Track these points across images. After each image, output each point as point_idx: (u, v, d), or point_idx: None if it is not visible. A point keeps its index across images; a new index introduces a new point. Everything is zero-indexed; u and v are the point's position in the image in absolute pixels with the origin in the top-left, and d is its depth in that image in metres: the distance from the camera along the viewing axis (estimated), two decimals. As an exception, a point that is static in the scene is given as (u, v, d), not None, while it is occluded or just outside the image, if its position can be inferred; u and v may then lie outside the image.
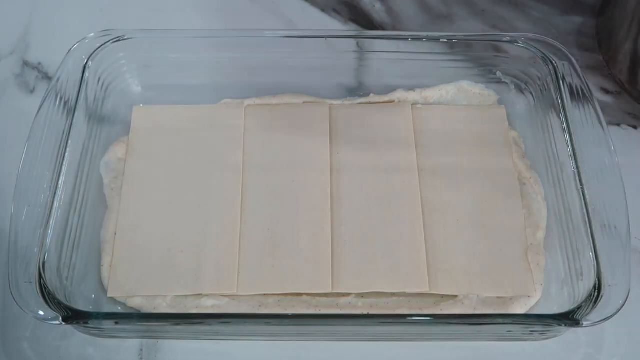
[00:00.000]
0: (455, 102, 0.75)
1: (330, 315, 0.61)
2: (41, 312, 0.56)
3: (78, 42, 0.71)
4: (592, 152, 0.65)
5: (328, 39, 0.73)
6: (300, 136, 0.72)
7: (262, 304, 0.62)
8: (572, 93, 0.68)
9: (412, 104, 0.74)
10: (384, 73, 0.75)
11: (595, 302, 0.57)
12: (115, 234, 0.66)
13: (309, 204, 0.67)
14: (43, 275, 0.58)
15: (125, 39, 0.71)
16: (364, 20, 0.85)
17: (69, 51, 0.70)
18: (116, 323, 0.58)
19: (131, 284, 0.63)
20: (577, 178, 0.64)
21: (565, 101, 0.68)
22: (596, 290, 0.58)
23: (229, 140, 0.71)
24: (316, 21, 0.84)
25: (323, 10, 0.86)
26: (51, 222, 0.61)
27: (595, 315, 0.57)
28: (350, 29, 0.85)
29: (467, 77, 0.75)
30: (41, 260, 0.59)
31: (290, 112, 0.73)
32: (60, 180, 0.63)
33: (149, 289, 0.63)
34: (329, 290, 0.63)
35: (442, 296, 0.63)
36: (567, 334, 0.62)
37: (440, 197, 0.68)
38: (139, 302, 0.62)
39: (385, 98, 0.75)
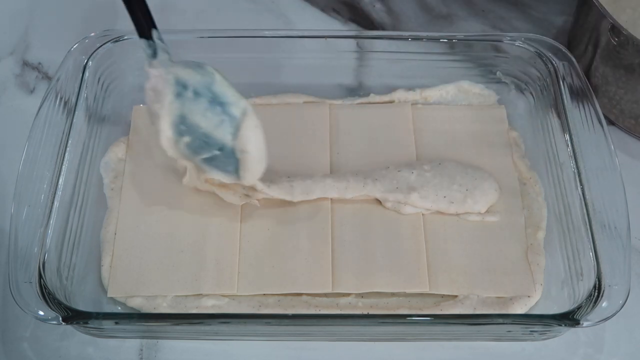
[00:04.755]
0: (455, 102, 0.75)
1: (330, 315, 0.61)
2: (41, 312, 0.56)
3: (78, 42, 0.71)
4: (592, 152, 0.65)
5: (328, 39, 0.73)
6: (300, 136, 0.72)
7: (262, 304, 0.62)
8: (572, 93, 0.68)
9: (412, 104, 0.74)
10: (384, 73, 0.75)
11: (595, 302, 0.57)
12: (115, 234, 0.66)
13: (309, 204, 0.67)
14: (43, 275, 0.58)
15: (125, 39, 0.71)
16: (364, 20, 0.85)
17: (69, 51, 0.70)
18: (116, 323, 0.58)
19: (131, 284, 0.63)
20: (577, 178, 0.64)
21: (565, 101, 0.68)
22: (596, 290, 0.58)
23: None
24: (316, 21, 0.84)
25: (323, 10, 0.86)
26: (51, 222, 0.61)
27: (595, 315, 0.57)
28: (350, 29, 0.85)
29: (467, 77, 0.75)
30: (41, 260, 0.59)
31: (290, 112, 0.73)
32: (60, 180, 0.63)
33: (149, 289, 0.63)
34: (329, 291, 0.63)
35: (442, 296, 0.63)
36: (567, 334, 0.62)
37: (440, 197, 0.68)
38: (139, 302, 0.62)
39: (385, 98, 0.75)
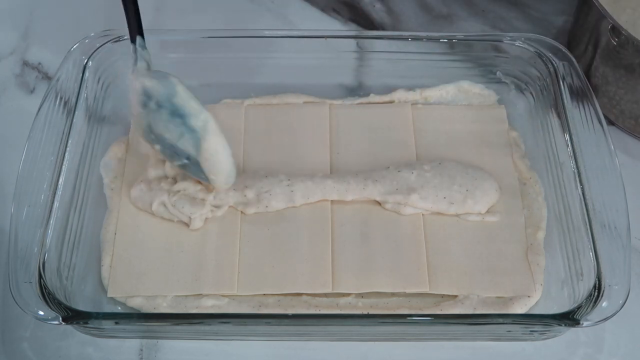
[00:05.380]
0: (455, 102, 0.75)
1: (330, 315, 0.61)
2: (41, 312, 0.56)
3: (78, 42, 0.71)
4: (592, 152, 0.65)
5: (328, 39, 0.73)
6: (300, 136, 0.72)
7: (262, 304, 0.62)
8: (572, 93, 0.68)
9: (412, 104, 0.74)
10: (384, 73, 0.75)
11: (595, 302, 0.57)
12: (115, 234, 0.66)
13: (309, 204, 0.67)
14: (43, 275, 0.58)
15: (125, 39, 0.71)
16: (364, 20, 0.85)
17: (69, 51, 0.70)
18: (116, 323, 0.58)
19: (131, 284, 0.63)
20: (577, 178, 0.64)
21: (565, 101, 0.68)
22: (596, 290, 0.58)
23: (229, 140, 0.71)
24: (316, 21, 0.84)
25: (323, 10, 0.86)
26: (51, 222, 0.61)
27: (595, 315, 0.57)
28: (350, 29, 0.85)
29: (467, 77, 0.75)
30: (41, 260, 0.59)
31: (290, 112, 0.73)
32: (60, 180, 0.63)
33: (149, 289, 0.63)
34: (329, 291, 0.63)
35: (442, 296, 0.63)
36: (567, 334, 0.62)
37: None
38: (139, 302, 0.62)
39: (386, 98, 0.75)
